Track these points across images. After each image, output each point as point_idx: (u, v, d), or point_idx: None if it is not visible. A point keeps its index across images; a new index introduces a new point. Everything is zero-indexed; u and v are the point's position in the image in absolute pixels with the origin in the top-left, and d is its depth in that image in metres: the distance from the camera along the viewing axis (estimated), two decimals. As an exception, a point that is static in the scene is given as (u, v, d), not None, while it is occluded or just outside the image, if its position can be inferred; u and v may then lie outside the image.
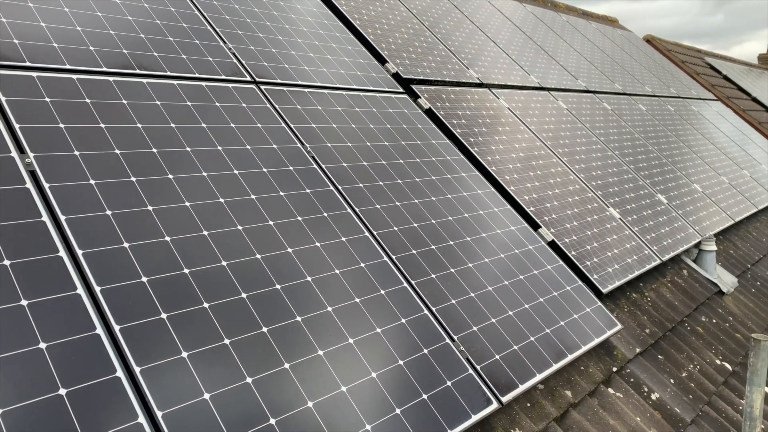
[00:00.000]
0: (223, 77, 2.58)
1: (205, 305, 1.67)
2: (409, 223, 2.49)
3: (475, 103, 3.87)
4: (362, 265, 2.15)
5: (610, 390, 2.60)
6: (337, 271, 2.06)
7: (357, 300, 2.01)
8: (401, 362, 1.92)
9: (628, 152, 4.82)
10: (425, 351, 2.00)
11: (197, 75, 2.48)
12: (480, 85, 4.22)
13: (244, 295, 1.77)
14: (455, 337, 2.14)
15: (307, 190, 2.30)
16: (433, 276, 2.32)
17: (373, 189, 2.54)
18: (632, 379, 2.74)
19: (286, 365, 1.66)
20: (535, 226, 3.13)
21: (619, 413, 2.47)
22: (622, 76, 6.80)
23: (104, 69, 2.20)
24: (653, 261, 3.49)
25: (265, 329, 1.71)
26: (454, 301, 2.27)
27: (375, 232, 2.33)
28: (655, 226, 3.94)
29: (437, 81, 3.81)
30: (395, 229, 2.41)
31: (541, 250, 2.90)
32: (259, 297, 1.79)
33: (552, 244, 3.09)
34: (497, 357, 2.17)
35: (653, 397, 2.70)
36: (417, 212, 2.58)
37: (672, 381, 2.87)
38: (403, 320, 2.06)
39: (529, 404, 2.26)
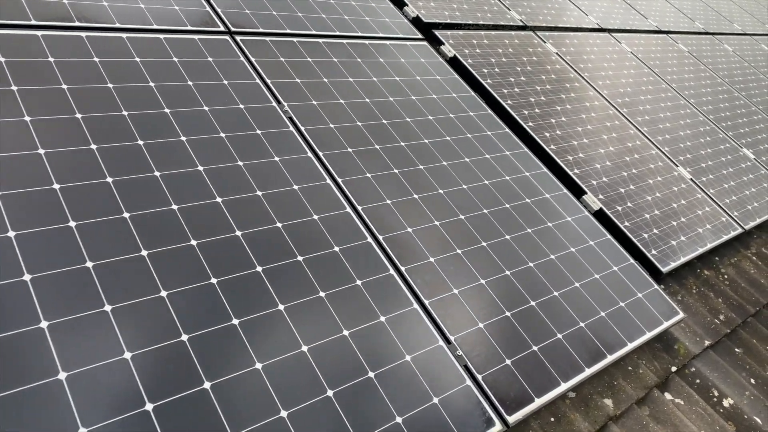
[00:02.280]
0: (189, 28, 2.19)
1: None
2: (410, 194, 2.04)
3: (514, 48, 3.31)
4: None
5: (667, 395, 2.08)
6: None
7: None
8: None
9: (707, 100, 4.08)
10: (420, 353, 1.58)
11: (155, 26, 2.11)
12: (523, 27, 3.63)
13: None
14: (451, 338, 1.70)
15: (276, 159, 1.90)
16: (432, 259, 1.88)
17: (365, 155, 2.10)
18: (698, 381, 2.20)
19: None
20: (579, 192, 2.59)
21: (678, 426, 1.96)
22: (704, 13, 5.89)
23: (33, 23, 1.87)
24: (733, 230, 2.86)
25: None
26: (456, 291, 1.82)
27: (359, 208, 1.91)
28: (738, 187, 3.27)
29: (467, 25, 3.27)
30: (388, 202, 1.98)
31: (583, 222, 2.38)
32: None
33: (599, 214, 2.55)
34: (508, 362, 1.71)
35: (726, 403, 2.16)
36: (422, 182, 2.12)
37: (753, 381, 2.30)
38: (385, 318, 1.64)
39: (553, 419, 1.80)
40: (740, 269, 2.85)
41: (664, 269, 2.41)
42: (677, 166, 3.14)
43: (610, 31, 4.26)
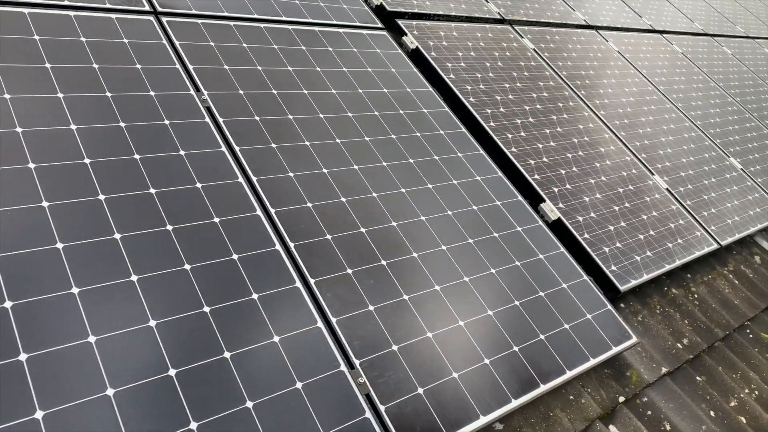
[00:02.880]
0: (107, 6, 2.01)
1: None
2: (328, 198, 1.85)
3: (486, 42, 3.11)
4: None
5: (612, 429, 1.89)
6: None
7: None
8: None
9: (696, 105, 3.86)
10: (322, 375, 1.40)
11: (66, 2, 1.93)
12: (500, 21, 3.42)
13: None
14: (356, 363, 1.51)
15: (181, 152, 1.72)
16: (350, 270, 1.69)
17: (290, 151, 1.92)
18: (649, 412, 2.01)
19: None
20: (538, 200, 2.40)
21: (619, 464, 1.78)
22: (706, 14, 5.64)
23: None
24: (708, 245, 2.66)
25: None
26: (372, 308, 1.64)
27: (272, 211, 1.72)
28: (719, 199, 3.06)
29: (437, 15, 3.07)
30: (309, 205, 1.79)
31: (536, 233, 2.19)
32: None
33: (556, 224, 2.35)
34: (419, 391, 1.53)
35: (678, 438, 1.97)
36: (355, 184, 1.94)
37: (713, 414, 2.11)
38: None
39: (473, 454, 1.62)
40: (713, 288, 2.65)
41: (623, 287, 2.22)
42: (653, 174, 2.94)
43: (597, 28, 4.04)
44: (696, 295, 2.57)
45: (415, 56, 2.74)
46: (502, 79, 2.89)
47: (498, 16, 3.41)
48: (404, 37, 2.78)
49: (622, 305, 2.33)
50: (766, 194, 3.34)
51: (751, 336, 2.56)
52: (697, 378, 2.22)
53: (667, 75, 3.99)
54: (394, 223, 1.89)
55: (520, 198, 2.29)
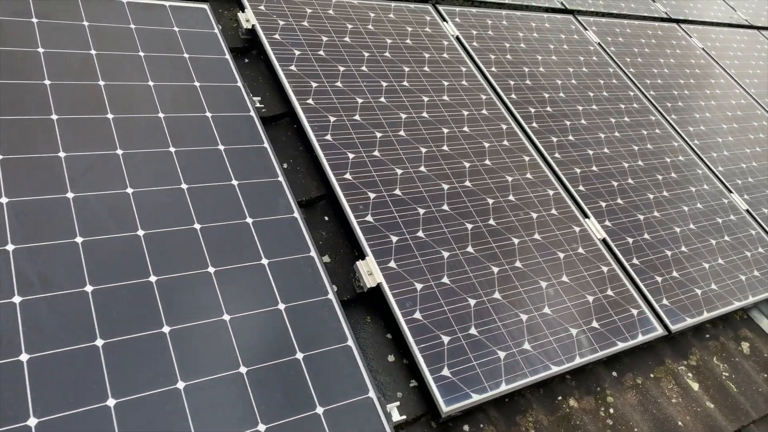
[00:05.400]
0: (104, -17, 1.86)
1: None
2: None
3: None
4: None
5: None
6: None
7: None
8: None
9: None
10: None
11: (58, -22, 1.79)
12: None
13: None
14: (314, 403, 1.27)
15: None
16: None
17: None
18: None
19: None
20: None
21: None
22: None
23: None
24: (637, 336, 2.20)
25: None
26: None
27: (246, 214, 1.50)
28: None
29: None
30: (293, 209, 1.56)
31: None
32: None
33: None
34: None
35: None
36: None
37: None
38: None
39: None
40: (648, 398, 2.20)
41: (446, 410, 1.84)
42: (731, 192, 2.50)
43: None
44: (611, 411, 2.14)
45: (252, 38, 2.08)
46: (338, 61, 2.54)
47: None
48: (241, 14, 2.16)
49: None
50: None
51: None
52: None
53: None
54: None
55: (291, 213, 1.96)
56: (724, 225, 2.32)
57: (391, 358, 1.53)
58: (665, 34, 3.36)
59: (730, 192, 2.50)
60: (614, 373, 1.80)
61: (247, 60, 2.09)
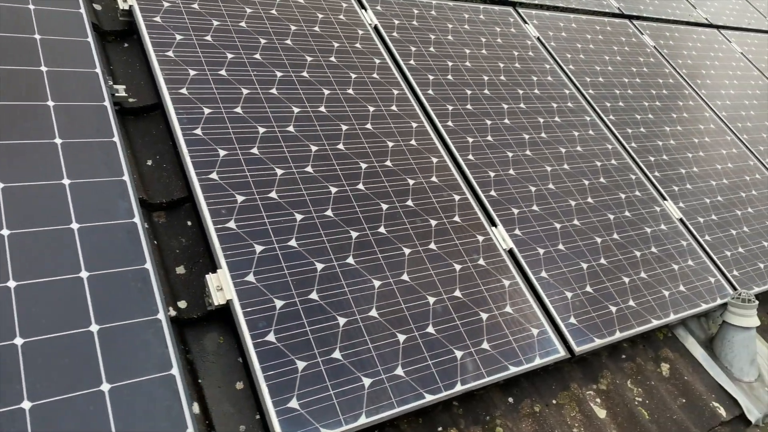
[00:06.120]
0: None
1: None
2: None
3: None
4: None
5: None
6: None
7: None
8: None
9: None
10: None
11: None
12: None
13: None
14: None
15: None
16: None
17: None
18: None
19: None
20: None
21: None
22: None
23: None
24: (541, 356, 2.04)
25: None
26: (177, 362, 1.21)
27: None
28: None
29: (415, -9, 2.57)
30: None
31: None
32: None
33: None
34: None
35: None
36: None
37: None
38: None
39: None
40: (545, 426, 2.05)
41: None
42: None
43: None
44: None
45: (130, 20, 1.86)
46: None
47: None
48: None
49: (584, 368, 1.78)
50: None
51: None
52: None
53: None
54: (254, 245, 1.44)
55: (137, 214, 1.79)
56: (653, 235, 2.17)
57: (239, 385, 1.35)
58: (614, 30, 3.19)
59: (665, 199, 2.35)
60: (510, 399, 1.63)
61: (126, 45, 1.90)
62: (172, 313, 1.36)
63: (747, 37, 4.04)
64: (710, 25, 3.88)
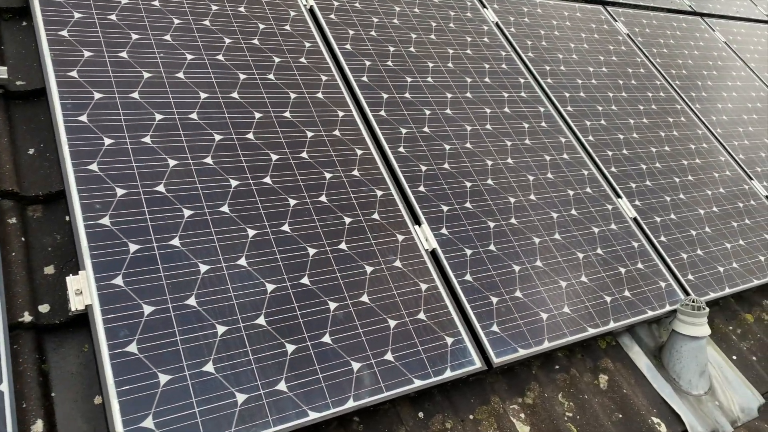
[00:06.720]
0: None
1: None
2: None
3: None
4: None
5: None
6: None
7: None
8: None
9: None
10: None
11: None
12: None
13: None
14: None
15: None
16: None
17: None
18: None
19: None
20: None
21: None
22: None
23: None
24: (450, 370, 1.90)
25: None
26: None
27: None
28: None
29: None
30: None
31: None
32: None
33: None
34: None
35: None
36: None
37: None
38: None
39: None
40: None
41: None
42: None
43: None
44: (640, 371, 1.84)
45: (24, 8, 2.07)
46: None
47: None
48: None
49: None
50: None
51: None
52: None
53: None
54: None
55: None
56: (600, 236, 2.02)
57: (98, 399, 1.22)
58: (584, 16, 3.02)
59: (619, 197, 2.20)
60: (420, 414, 1.49)
61: (25, 23, 1.76)
62: (28, 318, 1.24)
63: (733, 25, 3.86)
64: (693, 13, 3.70)
